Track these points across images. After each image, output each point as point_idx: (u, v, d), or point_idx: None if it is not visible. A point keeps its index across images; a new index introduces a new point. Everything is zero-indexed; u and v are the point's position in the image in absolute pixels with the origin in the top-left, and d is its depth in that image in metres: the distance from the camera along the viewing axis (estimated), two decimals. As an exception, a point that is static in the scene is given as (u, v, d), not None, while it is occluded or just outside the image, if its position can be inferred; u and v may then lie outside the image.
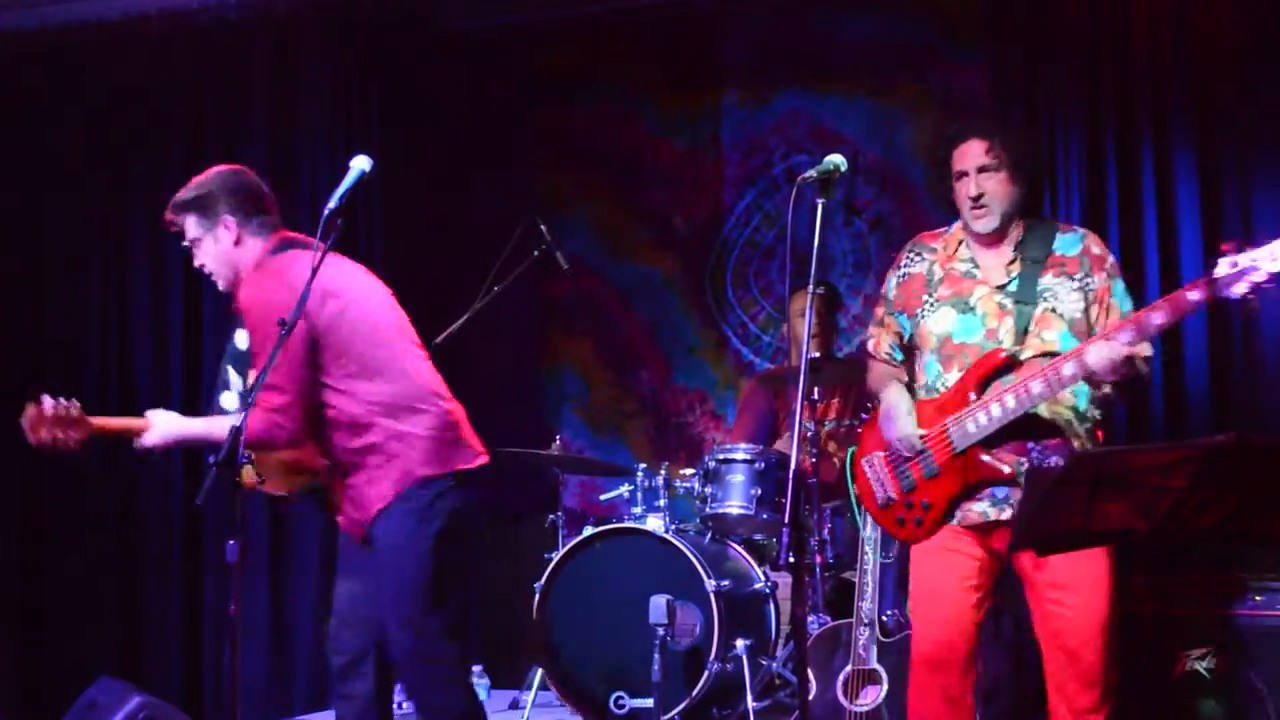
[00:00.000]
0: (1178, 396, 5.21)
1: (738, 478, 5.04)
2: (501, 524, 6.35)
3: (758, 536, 5.21)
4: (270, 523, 5.98)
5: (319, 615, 5.95)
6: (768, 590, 5.06)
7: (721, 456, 5.11)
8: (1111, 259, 3.50)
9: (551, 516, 5.50)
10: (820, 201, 3.17)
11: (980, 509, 3.42)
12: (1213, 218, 5.20)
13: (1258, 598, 4.21)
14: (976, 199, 3.42)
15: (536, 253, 5.36)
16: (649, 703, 4.57)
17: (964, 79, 6.06)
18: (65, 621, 6.11)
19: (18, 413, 3.56)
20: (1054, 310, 3.40)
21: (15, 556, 6.16)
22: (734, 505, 5.02)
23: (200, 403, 6.15)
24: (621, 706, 4.78)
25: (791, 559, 2.88)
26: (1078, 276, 3.43)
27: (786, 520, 2.88)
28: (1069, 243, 3.48)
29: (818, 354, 5.34)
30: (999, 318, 3.42)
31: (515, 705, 5.40)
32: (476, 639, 6.07)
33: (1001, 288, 3.45)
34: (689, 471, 5.27)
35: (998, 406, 3.31)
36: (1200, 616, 4.24)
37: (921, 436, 3.43)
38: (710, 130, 6.51)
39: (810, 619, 4.78)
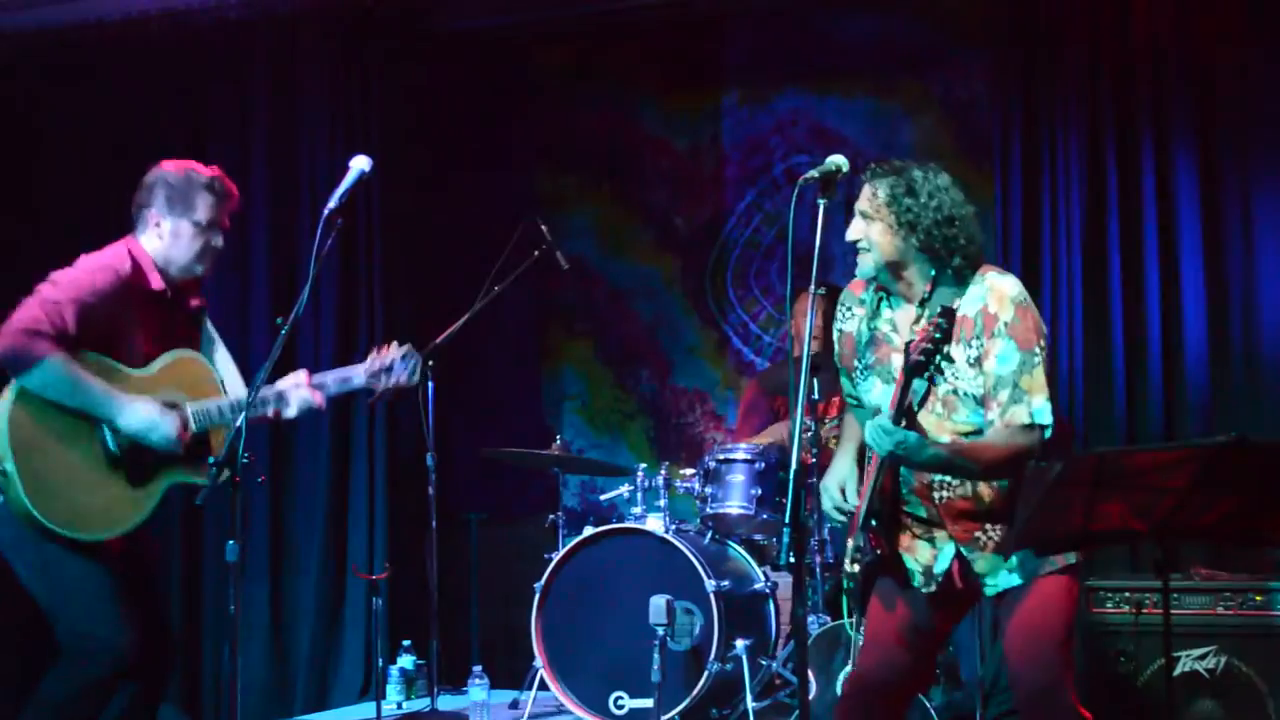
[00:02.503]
0: (1178, 396, 5.21)
1: (738, 478, 5.04)
2: (501, 524, 6.36)
3: (758, 536, 5.21)
4: (270, 523, 5.98)
5: (319, 615, 5.96)
6: (768, 590, 5.06)
7: (721, 456, 5.11)
8: (1009, 314, 3.13)
9: (551, 516, 5.51)
10: (821, 202, 3.16)
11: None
12: (1213, 218, 5.20)
13: (1258, 598, 4.21)
14: (855, 242, 3.27)
15: (536, 253, 5.36)
16: (649, 703, 4.57)
17: (964, 79, 6.06)
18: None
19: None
20: (955, 392, 3.16)
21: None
22: (734, 505, 5.02)
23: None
24: (621, 706, 4.79)
25: (791, 559, 2.88)
26: (971, 343, 3.16)
27: (786, 520, 2.88)
28: (973, 299, 3.20)
29: (819, 353, 5.33)
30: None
31: (515, 705, 5.40)
32: (476, 639, 6.07)
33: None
34: (689, 471, 5.27)
35: (871, 483, 3.18)
36: (1200, 616, 4.24)
37: (850, 510, 3.29)
38: (710, 130, 6.51)
39: (810, 619, 4.78)
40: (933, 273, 3.23)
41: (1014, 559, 3.17)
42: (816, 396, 5.17)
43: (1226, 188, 5.21)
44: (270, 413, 3.83)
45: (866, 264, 3.26)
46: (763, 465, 5.00)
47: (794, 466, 2.89)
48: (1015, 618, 3.17)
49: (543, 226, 5.38)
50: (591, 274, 6.56)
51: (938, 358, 3.04)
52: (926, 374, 3.05)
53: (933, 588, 3.23)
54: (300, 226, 6.03)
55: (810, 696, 4.37)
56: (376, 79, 6.17)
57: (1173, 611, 3.38)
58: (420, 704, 5.59)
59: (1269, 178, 5.16)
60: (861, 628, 4.05)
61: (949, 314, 3.05)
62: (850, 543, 3.30)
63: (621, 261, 6.61)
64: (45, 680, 3.69)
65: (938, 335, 3.03)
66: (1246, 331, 5.16)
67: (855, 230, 3.26)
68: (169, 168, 3.86)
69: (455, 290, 5.77)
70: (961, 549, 3.20)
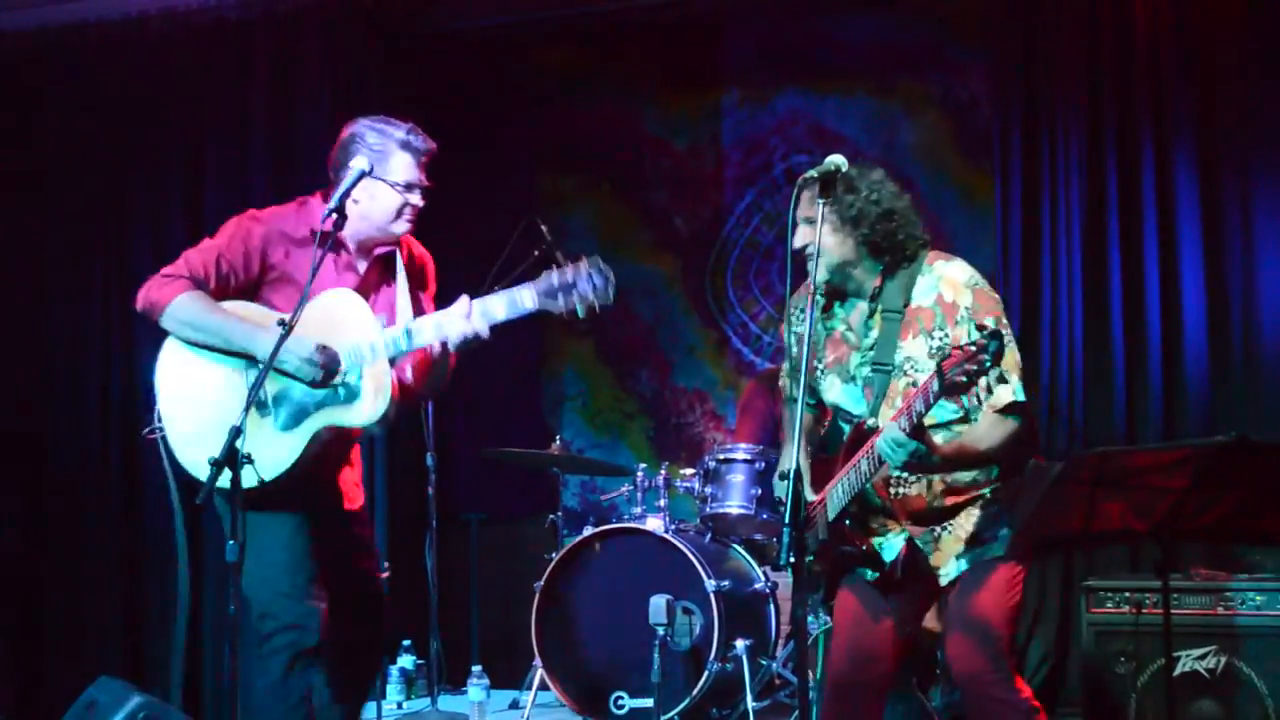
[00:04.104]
0: (1178, 396, 5.21)
1: (738, 478, 5.04)
2: (501, 524, 6.36)
3: (758, 536, 5.21)
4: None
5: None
6: (768, 590, 5.07)
7: (721, 456, 5.11)
8: (968, 300, 3.20)
9: (551, 516, 5.51)
10: (820, 202, 3.16)
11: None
12: (1213, 218, 5.20)
13: (1258, 598, 4.21)
14: (800, 249, 3.26)
15: (536, 253, 5.36)
16: (649, 703, 4.57)
17: (964, 79, 6.06)
18: (65, 621, 6.11)
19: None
20: (915, 385, 3.15)
21: (15, 555, 6.16)
22: (734, 505, 5.02)
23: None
24: (621, 706, 4.79)
25: (791, 559, 2.88)
26: (935, 334, 3.21)
27: (786, 520, 2.88)
28: (925, 289, 3.25)
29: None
30: (870, 388, 3.28)
31: (515, 705, 5.40)
32: (476, 639, 6.07)
33: (868, 351, 3.30)
34: (689, 471, 5.27)
35: (844, 481, 3.20)
36: (1200, 616, 4.24)
37: (810, 503, 3.31)
38: (710, 130, 6.51)
39: (810, 619, 4.78)
40: (880, 267, 3.29)
41: (962, 546, 3.25)
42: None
43: (1226, 187, 5.21)
44: (434, 346, 3.80)
45: (820, 269, 3.26)
46: (763, 465, 5.00)
47: (794, 466, 2.89)
48: (956, 604, 3.24)
49: (543, 226, 5.38)
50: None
51: (984, 380, 2.89)
52: (968, 394, 2.95)
53: (876, 575, 3.29)
54: (300, 226, 6.01)
55: (810, 696, 4.37)
56: (376, 79, 6.17)
57: (1173, 611, 3.38)
58: (420, 704, 5.59)
59: (1269, 178, 5.16)
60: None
61: (998, 336, 2.86)
62: (809, 538, 3.33)
63: (621, 261, 6.59)
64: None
65: (986, 361, 2.84)
66: (1246, 331, 5.16)
67: (802, 237, 3.28)
68: (365, 126, 3.70)
69: (455, 290, 5.75)
70: (915, 540, 3.27)
